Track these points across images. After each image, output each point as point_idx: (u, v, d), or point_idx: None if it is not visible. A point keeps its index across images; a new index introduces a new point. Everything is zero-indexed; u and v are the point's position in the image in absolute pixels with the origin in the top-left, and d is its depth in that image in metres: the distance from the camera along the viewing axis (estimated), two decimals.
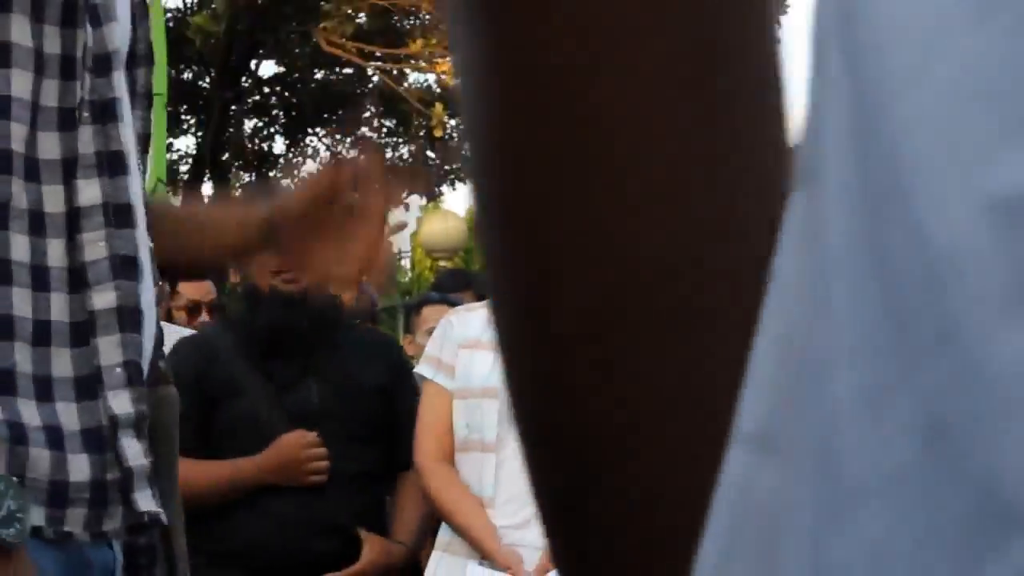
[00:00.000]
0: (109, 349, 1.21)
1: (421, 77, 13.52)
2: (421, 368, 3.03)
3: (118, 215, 1.23)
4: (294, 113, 15.26)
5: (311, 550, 3.04)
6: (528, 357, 0.40)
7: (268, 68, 15.45)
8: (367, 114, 14.36)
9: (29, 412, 1.15)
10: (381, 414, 3.15)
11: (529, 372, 0.40)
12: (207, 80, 14.39)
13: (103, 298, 1.21)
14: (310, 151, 15.98)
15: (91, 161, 1.22)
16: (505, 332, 0.40)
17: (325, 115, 15.30)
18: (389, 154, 15.68)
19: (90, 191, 1.21)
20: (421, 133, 14.46)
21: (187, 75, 14.38)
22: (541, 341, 0.39)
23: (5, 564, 1.09)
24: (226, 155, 14.72)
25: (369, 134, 14.87)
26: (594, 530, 0.39)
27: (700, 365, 0.37)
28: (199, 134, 14.61)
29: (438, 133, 12.11)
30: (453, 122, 12.93)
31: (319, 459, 3.08)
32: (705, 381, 0.37)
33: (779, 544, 0.23)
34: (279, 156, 16.02)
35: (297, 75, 15.01)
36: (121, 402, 1.22)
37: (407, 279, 19.07)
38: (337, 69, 14.51)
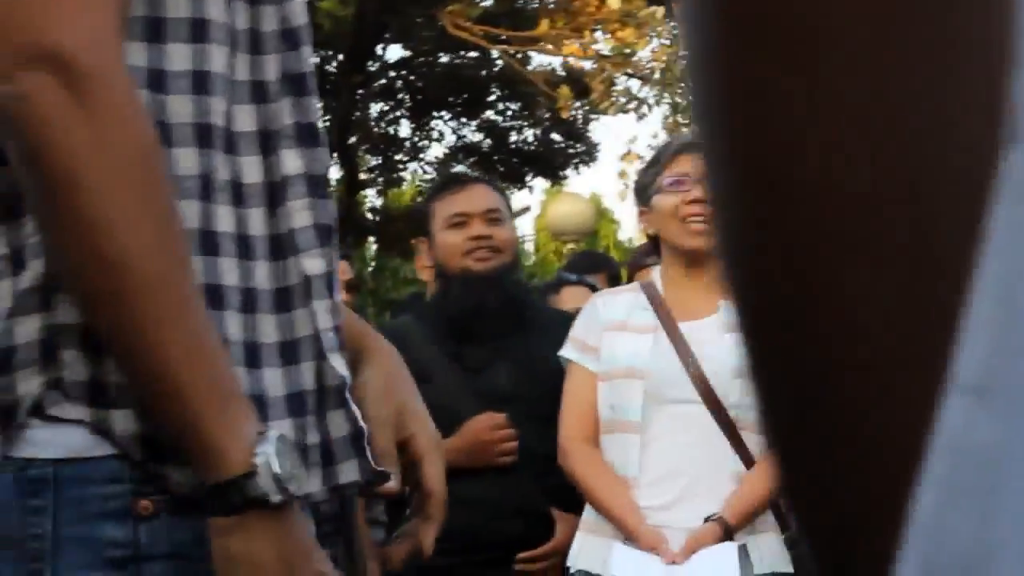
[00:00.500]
0: (322, 313, 1.25)
1: (546, 59, 13.52)
2: (566, 351, 3.04)
3: (317, 185, 1.27)
4: (420, 97, 15.35)
5: (503, 531, 3.07)
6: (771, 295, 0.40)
7: (394, 52, 15.55)
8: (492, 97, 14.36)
9: (240, 380, 1.19)
10: None
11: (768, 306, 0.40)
12: (335, 64, 14.53)
13: (314, 264, 1.25)
14: (435, 134, 16.08)
15: (290, 132, 1.26)
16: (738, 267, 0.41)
17: (450, 99, 15.37)
18: (514, 137, 15.72)
19: (292, 161, 1.25)
20: (546, 116, 14.45)
21: (315, 59, 14.53)
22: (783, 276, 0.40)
23: (290, 518, 1.14)
24: (353, 138, 14.86)
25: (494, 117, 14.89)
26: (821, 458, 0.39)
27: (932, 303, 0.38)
28: (327, 117, 14.77)
29: (564, 115, 12.08)
30: (578, 104, 12.90)
31: (508, 440, 3.10)
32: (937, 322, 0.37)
33: (997, 493, 0.23)
34: (405, 139, 16.14)
35: (423, 59, 15.09)
36: (338, 366, 1.25)
37: (531, 262, 19.10)
38: (462, 52, 14.56)
